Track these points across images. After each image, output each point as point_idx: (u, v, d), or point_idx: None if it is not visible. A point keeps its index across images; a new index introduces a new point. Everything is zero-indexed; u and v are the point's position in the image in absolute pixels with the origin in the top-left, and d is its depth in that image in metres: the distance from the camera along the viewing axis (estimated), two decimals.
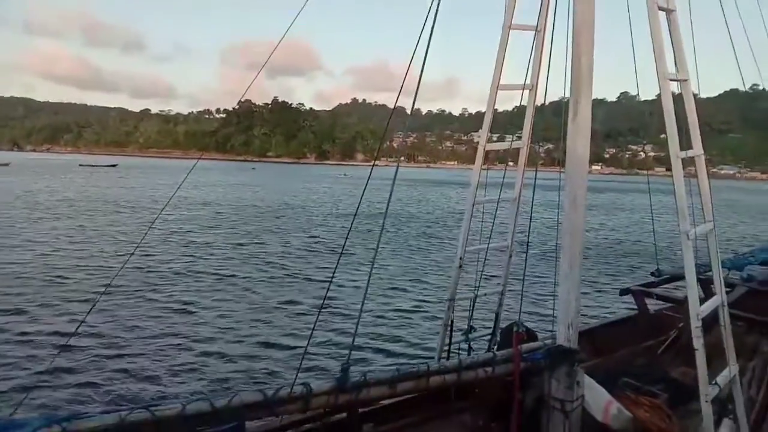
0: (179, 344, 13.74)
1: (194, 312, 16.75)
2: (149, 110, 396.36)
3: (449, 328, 6.96)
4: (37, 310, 15.82)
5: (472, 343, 6.94)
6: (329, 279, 20.19)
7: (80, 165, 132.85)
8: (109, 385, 11.04)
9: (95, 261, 23.62)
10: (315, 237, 33.42)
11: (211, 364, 12.62)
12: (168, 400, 3.66)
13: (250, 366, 12.38)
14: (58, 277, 20.30)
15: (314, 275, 22.07)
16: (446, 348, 6.58)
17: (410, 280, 22.34)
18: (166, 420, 3.16)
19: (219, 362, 12.73)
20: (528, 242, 7.26)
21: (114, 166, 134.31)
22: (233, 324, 15.65)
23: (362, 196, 4.79)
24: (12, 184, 67.02)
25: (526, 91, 6.75)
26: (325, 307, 16.48)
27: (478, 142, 6.86)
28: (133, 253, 21.70)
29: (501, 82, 6.49)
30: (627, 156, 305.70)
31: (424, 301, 19.09)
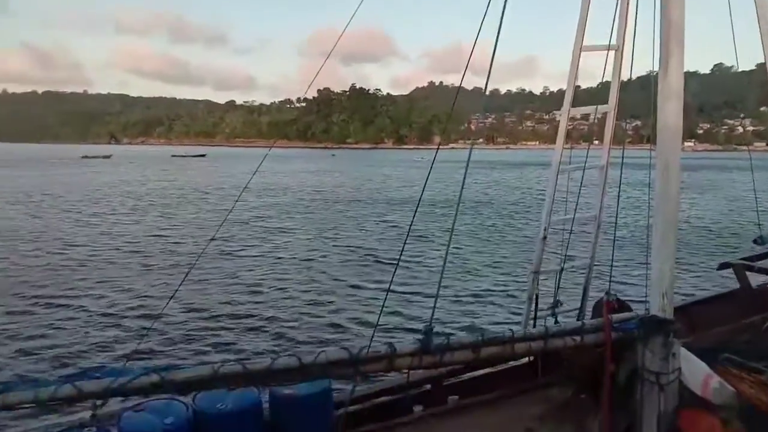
0: (265, 312, 14.57)
1: (278, 285, 17.50)
2: (234, 101, 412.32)
3: (534, 302, 6.78)
4: (136, 284, 17.24)
5: (558, 317, 6.74)
6: (401, 257, 20.26)
7: (172, 156, 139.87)
8: (203, 342, 12.03)
9: (186, 240, 25.10)
10: (390, 221, 33.59)
11: (297, 328, 13.33)
12: (258, 356, 3.80)
13: (335, 332, 12.97)
14: (155, 254, 21.85)
15: (391, 255, 22.20)
16: (531, 321, 6.42)
17: (490, 256, 22.21)
18: (257, 373, 3.26)
19: (305, 327, 13.40)
20: (617, 212, 6.93)
21: (203, 156, 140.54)
22: (316, 296, 16.22)
23: (427, 177, 4.64)
24: (114, 174, 71.75)
25: (611, 56, 6.40)
26: (404, 283, 16.73)
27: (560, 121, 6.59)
28: (213, 238, 22.76)
29: (584, 43, 6.18)
30: (723, 131, 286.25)
31: (507, 274, 18.88)
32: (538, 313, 6.60)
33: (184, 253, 22.62)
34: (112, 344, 12.18)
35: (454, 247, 22.51)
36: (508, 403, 6.39)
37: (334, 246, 24.82)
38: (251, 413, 4.86)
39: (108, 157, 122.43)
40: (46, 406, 2.86)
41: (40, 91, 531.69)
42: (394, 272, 17.63)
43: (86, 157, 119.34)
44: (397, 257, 20.20)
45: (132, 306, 15.28)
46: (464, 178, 4.58)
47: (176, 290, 5.08)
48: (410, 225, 27.36)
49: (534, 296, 6.67)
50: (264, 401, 5.06)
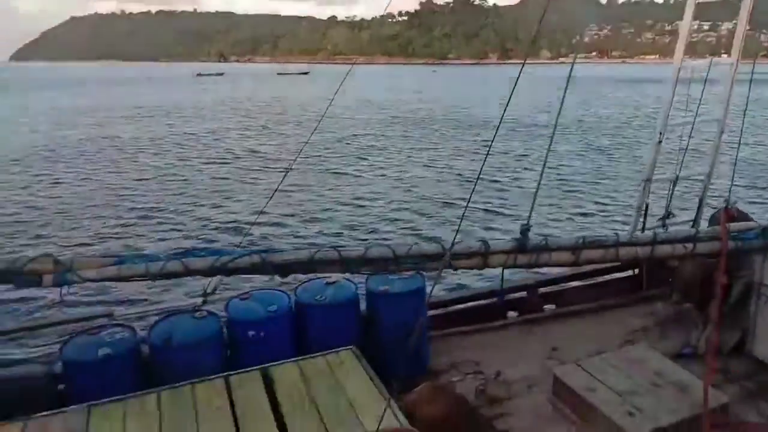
0: (359, 218, 15.21)
1: (373, 195, 17.88)
2: (335, 17, 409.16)
3: (643, 212, 6.40)
4: (241, 190, 18.46)
5: (669, 228, 6.32)
6: (498, 176, 19.81)
7: (278, 74, 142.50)
8: (300, 239, 13.01)
9: (286, 150, 26.29)
10: (486, 140, 32.62)
11: (392, 232, 13.71)
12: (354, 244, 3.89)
13: (430, 228, 13.24)
14: (258, 158, 23.29)
15: (488, 172, 21.76)
16: (638, 231, 6.08)
17: (597, 167, 21.33)
18: (351, 260, 3.32)
19: (400, 225, 13.80)
20: (743, 121, 6.24)
21: (306, 73, 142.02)
22: (409, 208, 16.46)
23: (510, 96, 4.23)
24: (229, 91, 74.74)
25: None
26: (502, 189, 16.58)
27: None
28: (299, 155, 23.51)
29: None
30: None
31: (614, 186, 18.09)
32: (647, 224, 6.22)
33: (285, 159, 23.70)
34: (220, 236, 13.61)
35: (554, 160, 21.63)
36: (607, 315, 6.22)
37: (429, 164, 24.64)
38: (348, 306, 5.04)
39: (221, 74, 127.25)
40: (156, 280, 3.08)
41: (153, 10, 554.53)
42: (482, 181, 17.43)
43: (200, 75, 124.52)
44: (494, 176, 19.79)
45: (236, 207, 16.46)
46: (564, 93, 4.23)
47: (275, 190, 5.22)
48: (491, 142, 26.54)
49: (643, 206, 6.27)
50: (360, 296, 5.23)
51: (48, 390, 4.47)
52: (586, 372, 4.73)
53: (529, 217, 3.86)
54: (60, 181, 20.53)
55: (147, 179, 20.68)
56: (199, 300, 4.99)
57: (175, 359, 4.49)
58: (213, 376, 4.21)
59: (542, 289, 6.37)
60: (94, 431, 3.64)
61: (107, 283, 3.54)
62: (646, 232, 4.49)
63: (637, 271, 6.63)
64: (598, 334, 5.80)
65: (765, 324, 4.95)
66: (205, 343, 4.58)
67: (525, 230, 3.83)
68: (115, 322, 4.89)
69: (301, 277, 4.45)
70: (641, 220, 6.33)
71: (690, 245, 4.41)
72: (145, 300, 8.38)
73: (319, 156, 24.40)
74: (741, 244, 4.54)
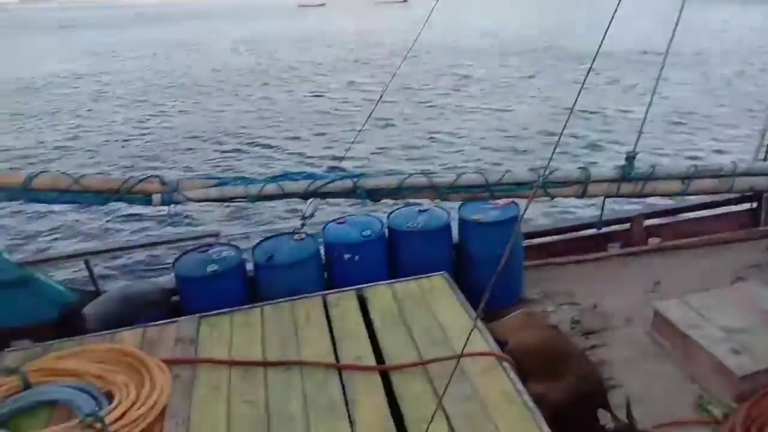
0: (455, 141, 14.95)
1: (467, 125, 17.48)
2: None
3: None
4: (341, 112, 18.93)
5: None
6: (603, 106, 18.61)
7: (375, 2, 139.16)
8: (395, 161, 13.08)
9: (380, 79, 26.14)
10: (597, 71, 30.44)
11: (488, 155, 13.46)
12: (445, 170, 3.87)
13: (527, 158, 12.86)
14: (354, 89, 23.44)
15: (595, 105, 20.51)
16: (762, 158, 5.55)
17: (718, 90, 19.55)
18: (442, 186, 3.30)
19: (495, 156, 13.49)
20: None
21: (404, 1, 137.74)
22: (505, 136, 15.97)
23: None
24: (328, 22, 74.61)
25: None
26: (607, 116, 15.69)
27: None
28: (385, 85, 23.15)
29: None
30: None
31: (735, 110, 16.57)
32: None
33: (379, 90, 23.62)
34: (315, 162, 14.01)
35: (666, 89, 19.99)
36: (718, 250, 5.84)
37: (529, 94, 23.54)
38: (440, 233, 5.05)
39: (322, 5, 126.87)
40: (255, 201, 3.22)
41: None
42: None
43: (303, 6, 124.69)
44: (598, 107, 18.59)
45: (332, 135, 16.72)
46: (678, 16, 3.80)
47: (368, 118, 5.18)
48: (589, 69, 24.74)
49: (767, 132, 5.70)
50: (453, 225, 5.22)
51: (164, 301, 4.89)
52: (689, 307, 4.51)
53: (636, 142, 3.63)
54: (166, 111, 21.71)
55: (249, 111, 21.41)
56: (298, 223, 5.19)
57: (277, 277, 4.75)
58: (311, 294, 4.43)
59: (647, 221, 6.05)
60: (204, 339, 3.97)
61: (212, 206, 3.75)
62: None
63: (755, 204, 6.12)
64: (707, 269, 5.48)
65: None
66: (304, 264, 4.79)
67: (630, 157, 3.62)
68: (221, 241, 5.21)
69: (393, 203, 4.50)
70: (764, 148, 5.77)
71: None
72: (248, 222, 8.86)
73: (413, 86, 24.01)
74: None
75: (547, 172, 3.40)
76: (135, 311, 4.68)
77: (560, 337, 4.30)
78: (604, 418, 3.48)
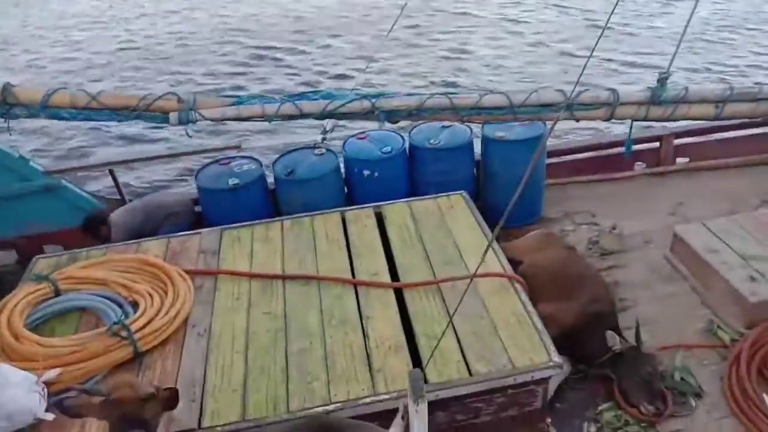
0: (477, 59, 14.32)
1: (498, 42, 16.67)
2: None
3: None
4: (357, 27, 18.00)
5: None
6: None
7: None
8: (415, 80, 12.58)
9: None
10: None
11: (513, 75, 12.90)
12: (465, 90, 3.76)
13: (553, 78, 12.30)
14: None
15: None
16: None
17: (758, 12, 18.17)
18: (463, 107, 3.21)
19: (520, 75, 12.92)
20: None
21: None
22: (538, 43, 15.21)
23: None
24: None
25: None
26: (641, 34, 14.77)
27: None
28: None
29: None
30: None
31: None
32: None
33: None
34: (333, 81, 13.28)
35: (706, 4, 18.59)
36: (748, 173, 5.67)
37: (559, 7, 22.12)
38: (462, 150, 5.00)
39: None
40: (272, 121, 3.19)
41: None
42: None
43: None
44: (631, 24, 17.41)
45: (350, 52, 16.14)
46: None
47: (388, 32, 4.94)
48: None
49: None
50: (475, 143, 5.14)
51: (188, 211, 5.01)
52: (709, 231, 4.46)
53: (671, 63, 3.43)
54: (179, 20, 20.92)
55: (266, 22, 20.51)
56: (319, 138, 5.16)
57: (297, 192, 4.80)
58: (330, 210, 4.48)
59: (677, 141, 5.86)
60: (225, 250, 4.09)
61: (231, 123, 3.73)
62: None
63: None
64: (733, 192, 5.35)
65: None
66: (324, 179, 4.82)
67: (663, 79, 3.45)
68: (242, 154, 5.23)
69: None
70: None
71: None
72: (270, 135, 8.79)
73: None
74: None
75: (574, 94, 3.27)
76: (159, 220, 4.81)
77: (575, 259, 4.31)
78: (612, 339, 3.55)
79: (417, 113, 3.21)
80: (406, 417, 1.83)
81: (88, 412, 2.36)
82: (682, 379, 3.64)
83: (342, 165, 5.00)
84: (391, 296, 3.59)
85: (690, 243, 4.41)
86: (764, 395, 3.47)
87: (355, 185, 4.98)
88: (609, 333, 3.59)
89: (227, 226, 4.34)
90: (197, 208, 5.01)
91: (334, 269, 3.84)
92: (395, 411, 2.92)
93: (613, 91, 3.36)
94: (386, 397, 2.92)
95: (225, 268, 3.90)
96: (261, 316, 3.51)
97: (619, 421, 3.43)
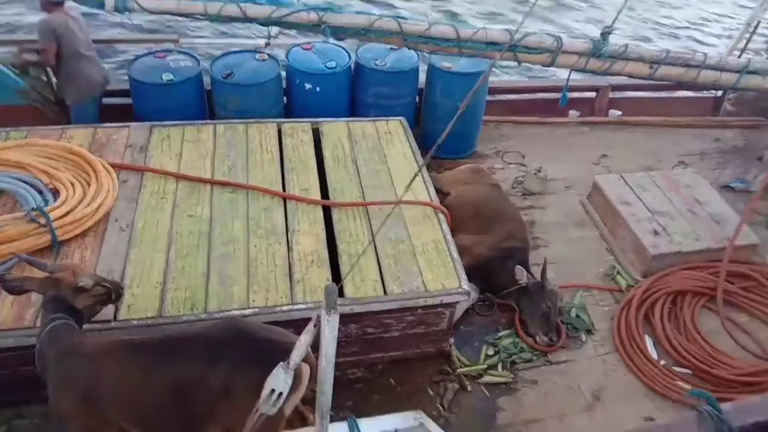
0: None
1: None
2: None
3: (752, 31, 5.70)
4: None
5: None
6: None
7: None
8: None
9: None
10: None
11: (467, 8, 12.64)
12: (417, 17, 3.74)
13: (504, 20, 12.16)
14: None
15: None
16: (738, 51, 5.49)
17: None
18: (411, 33, 3.20)
19: (474, 10, 12.69)
20: None
21: None
22: None
23: None
24: None
25: None
26: None
27: None
28: None
29: None
30: None
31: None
32: (752, 44, 5.56)
33: None
34: None
35: None
36: (673, 132, 5.98)
37: None
38: (407, 76, 4.98)
39: None
40: (213, 21, 3.07)
41: None
42: None
43: None
44: None
45: None
46: None
47: None
48: None
49: (755, 24, 5.57)
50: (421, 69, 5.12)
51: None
52: (626, 184, 4.74)
53: (615, 19, 3.53)
54: None
55: None
56: (262, 42, 5.00)
57: (234, 96, 4.68)
58: (267, 120, 4.42)
59: (612, 94, 6.07)
60: (154, 147, 4.00)
61: (173, 19, 3.55)
62: (743, 57, 4.03)
63: (719, 93, 6.18)
64: (656, 149, 5.66)
65: None
66: (263, 86, 4.70)
67: (606, 33, 3.56)
68: (180, 49, 5.00)
69: None
70: (746, 37, 5.67)
71: None
72: (210, 36, 8.32)
73: None
74: None
75: (519, 36, 3.32)
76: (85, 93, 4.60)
77: (499, 196, 4.50)
78: (520, 273, 3.80)
79: (364, 33, 3.17)
80: (318, 325, 1.93)
81: (29, 286, 2.40)
82: (577, 316, 3.97)
83: (283, 74, 4.88)
84: (319, 213, 3.67)
85: (606, 192, 4.68)
86: (647, 336, 3.86)
87: (294, 97, 4.89)
88: (518, 268, 3.84)
89: (158, 123, 4.22)
90: (127, 101, 4.79)
91: (264, 180, 3.85)
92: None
93: (558, 38, 3.43)
94: (303, 306, 3.05)
95: (152, 166, 3.83)
96: (186, 218, 3.51)
97: (515, 347, 3.73)
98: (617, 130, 5.97)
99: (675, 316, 3.99)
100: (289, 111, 4.88)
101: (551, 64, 3.52)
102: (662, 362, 3.71)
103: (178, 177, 3.77)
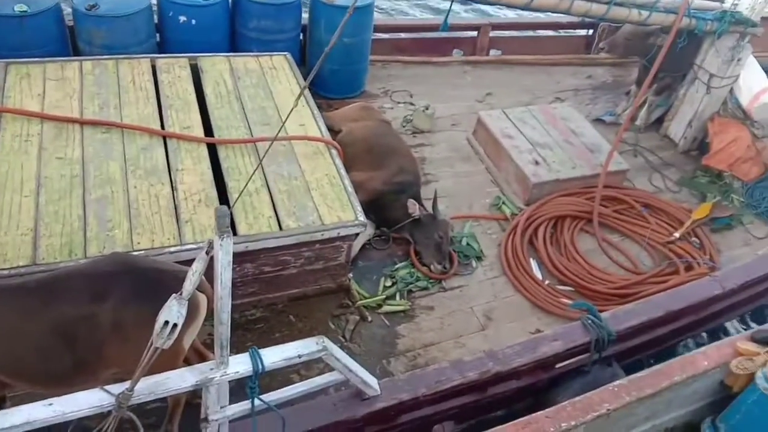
0: None
1: None
2: None
3: None
4: None
5: None
6: None
7: None
8: None
9: None
10: None
11: None
12: None
13: None
14: None
15: None
16: None
17: None
18: None
19: None
20: None
21: None
22: None
23: None
24: None
25: None
26: None
27: None
28: None
29: None
30: None
31: None
32: None
33: None
34: None
35: None
36: (549, 69, 6.25)
37: None
38: (289, 9, 4.78)
39: None
40: None
41: None
42: None
43: None
44: None
45: None
46: None
47: None
48: None
49: None
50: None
51: None
52: (508, 119, 4.92)
53: None
54: None
55: None
56: None
57: (100, 30, 4.27)
58: (139, 56, 4.09)
59: (492, 33, 6.21)
60: (11, 87, 3.59)
61: None
62: None
63: (591, 32, 6.52)
64: (535, 86, 5.90)
65: (688, 105, 5.17)
66: (132, 18, 4.32)
67: None
68: None
69: None
70: None
71: (646, 13, 4.32)
72: None
73: None
74: (695, 23, 4.48)
75: None
76: None
77: (389, 132, 4.51)
78: (412, 207, 3.87)
79: None
80: (210, 252, 1.84)
81: None
82: (468, 244, 4.12)
83: (155, 6, 4.51)
84: (204, 151, 3.48)
85: (489, 127, 4.83)
86: (531, 259, 4.09)
87: (169, 31, 4.55)
88: (410, 201, 3.90)
89: (14, 60, 3.77)
90: None
91: (140, 119, 3.58)
92: None
93: None
94: (193, 246, 2.91)
95: (11, 107, 3.43)
96: (54, 160, 3.20)
97: (411, 277, 3.81)
98: (497, 68, 6.15)
99: (556, 240, 4.26)
100: (163, 47, 4.55)
101: None
102: (547, 282, 3.97)
103: (42, 117, 3.41)
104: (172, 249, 2.88)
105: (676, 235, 4.29)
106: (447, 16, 3.72)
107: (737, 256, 4.35)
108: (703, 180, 5.03)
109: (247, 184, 2.90)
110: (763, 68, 5.02)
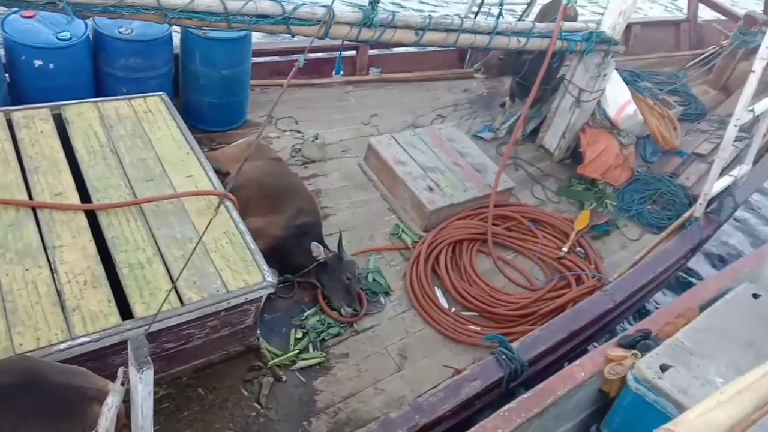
0: None
1: None
2: None
3: None
4: None
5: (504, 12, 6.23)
6: None
7: None
8: None
9: None
10: None
11: None
12: None
13: None
14: None
15: None
16: (472, 13, 5.93)
17: None
18: (171, 8, 2.77)
19: None
20: None
21: None
22: None
23: None
24: None
25: None
26: None
27: None
28: None
29: None
30: None
31: None
32: (483, 8, 6.04)
33: None
34: None
35: None
36: (428, 86, 6.35)
37: None
38: (160, 44, 4.42)
39: None
40: None
41: None
42: None
43: None
44: None
45: None
46: None
47: None
48: None
49: None
50: (174, 36, 4.60)
51: None
52: (397, 143, 4.93)
53: None
54: None
55: None
56: None
57: None
58: None
59: (371, 52, 6.19)
60: None
61: None
62: (488, 20, 4.38)
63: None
64: (416, 104, 5.95)
65: (560, 117, 5.48)
66: None
67: (374, 2, 3.53)
68: None
69: None
70: (475, 7, 6.11)
71: (524, 40, 4.49)
72: None
73: None
74: (566, 44, 4.74)
75: (291, 8, 3.12)
76: None
77: (283, 170, 4.35)
78: (316, 250, 3.75)
79: (114, 9, 2.66)
80: (126, 383, 1.64)
81: None
82: (374, 280, 4.09)
83: (2, 51, 3.98)
84: (83, 220, 3.11)
85: (381, 155, 4.81)
86: (436, 287, 4.14)
87: (22, 78, 4.02)
88: (314, 244, 3.78)
89: None
90: None
91: (1, 189, 3.13)
92: (99, 352, 2.65)
93: (330, 8, 3.31)
94: (86, 339, 2.60)
95: None
96: None
97: (322, 324, 3.71)
98: (378, 88, 6.14)
99: (456, 264, 4.35)
100: (17, 96, 4.02)
101: (325, 36, 3.40)
102: (453, 309, 4.04)
103: None
104: (62, 346, 2.55)
105: (564, 250, 4.54)
106: (339, 61, 3.64)
107: (617, 260, 4.68)
108: (579, 187, 5.37)
109: (186, 264, 2.59)
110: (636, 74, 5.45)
